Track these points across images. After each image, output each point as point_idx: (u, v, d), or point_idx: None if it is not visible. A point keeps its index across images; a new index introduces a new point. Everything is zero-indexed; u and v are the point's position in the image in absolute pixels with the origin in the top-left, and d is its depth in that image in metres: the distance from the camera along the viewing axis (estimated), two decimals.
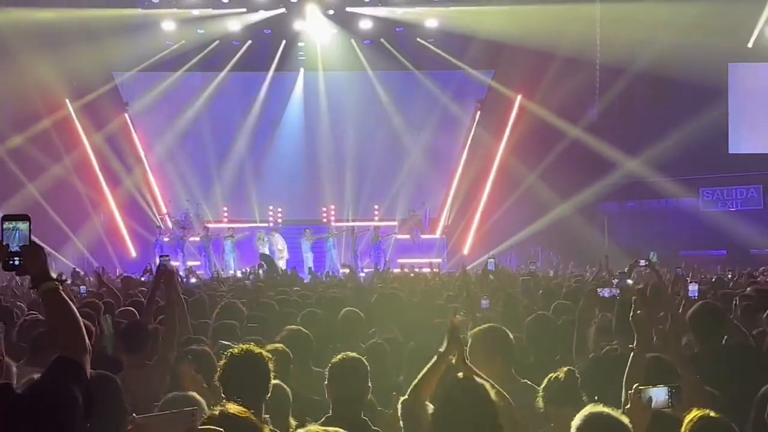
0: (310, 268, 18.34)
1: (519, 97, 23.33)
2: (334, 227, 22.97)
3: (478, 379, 3.13)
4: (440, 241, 23.26)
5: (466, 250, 22.81)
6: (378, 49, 23.46)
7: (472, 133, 24.31)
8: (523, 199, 21.86)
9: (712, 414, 2.95)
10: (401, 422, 3.30)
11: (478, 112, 24.42)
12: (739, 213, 22.08)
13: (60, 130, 21.62)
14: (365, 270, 19.28)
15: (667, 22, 20.02)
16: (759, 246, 20.42)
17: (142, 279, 12.22)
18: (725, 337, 4.82)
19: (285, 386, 3.58)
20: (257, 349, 3.34)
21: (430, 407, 3.26)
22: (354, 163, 24.23)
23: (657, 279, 8.50)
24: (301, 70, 24.33)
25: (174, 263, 18.72)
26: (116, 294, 8.35)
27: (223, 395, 3.15)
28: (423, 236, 22.92)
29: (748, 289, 7.71)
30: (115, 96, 23.27)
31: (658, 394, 3.02)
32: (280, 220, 23.81)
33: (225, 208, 23.86)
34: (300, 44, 23.72)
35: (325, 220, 23.80)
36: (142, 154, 23.76)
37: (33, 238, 2.51)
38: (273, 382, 3.29)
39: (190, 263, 20.52)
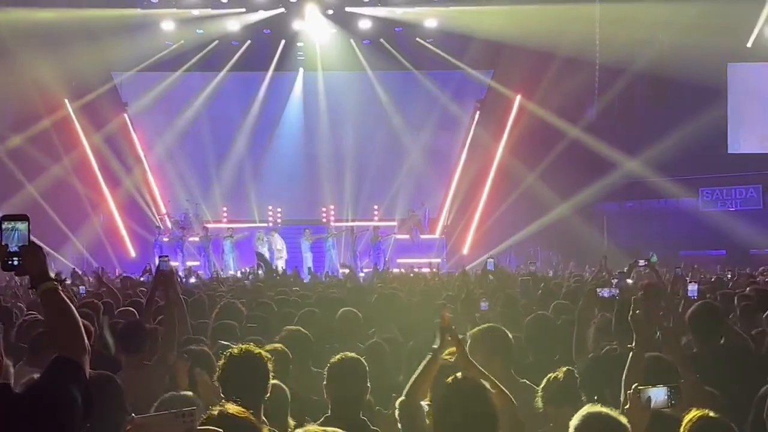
0: (309, 268, 18.34)
1: (518, 97, 23.34)
2: (334, 227, 22.97)
3: (480, 378, 3.13)
4: (439, 241, 23.26)
5: (465, 250, 22.82)
6: (377, 49, 23.46)
7: (471, 133, 24.31)
8: (522, 199, 21.86)
9: (711, 414, 2.95)
10: (399, 424, 3.30)
11: (478, 112, 24.42)
12: (739, 213, 22.08)
13: (59, 130, 21.62)
14: (365, 270, 19.28)
15: (666, 22, 20.03)
16: (758, 246, 20.43)
17: (142, 279, 12.23)
18: (722, 338, 4.82)
19: (284, 386, 3.58)
20: (256, 349, 3.34)
21: (426, 407, 3.27)
22: (353, 163, 24.23)
23: (656, 279, 8.51)
24: (301, 70, 24.32)
25: (173, 263, 18.74)
26: (116, 294, 8.35)
27: (222, 395, 3.15)
28: (422, 236, 22.92)
29: (748, 289, 7.71)
30: (114, 96, 23.27)
31: (658, 394, 3.02)
32: (279, 220, 23.80)
33: (224, 208, 23.86)
34: (299, 44, 23.72)
35: (324, 220, 23.80)
36: (141, 154, 23.75)
37: (32, 238, 2.51)
38: (272, 382, 3.29)
39: (189, 263, 20.52)
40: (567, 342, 4.81)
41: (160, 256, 7.20)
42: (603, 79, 22.28)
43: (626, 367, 3.36)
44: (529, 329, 5.06)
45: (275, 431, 3.22)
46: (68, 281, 9.59)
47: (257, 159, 24.12)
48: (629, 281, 8.49)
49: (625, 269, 9.36)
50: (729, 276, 12.73)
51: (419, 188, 23.75)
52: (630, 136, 22.42)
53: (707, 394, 3.67)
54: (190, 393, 3.20)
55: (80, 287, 9.56)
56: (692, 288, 6.25)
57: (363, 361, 3.72)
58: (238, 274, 17.96)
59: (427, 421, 3.17)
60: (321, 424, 3.03)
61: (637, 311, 3.56)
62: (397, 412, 3.31)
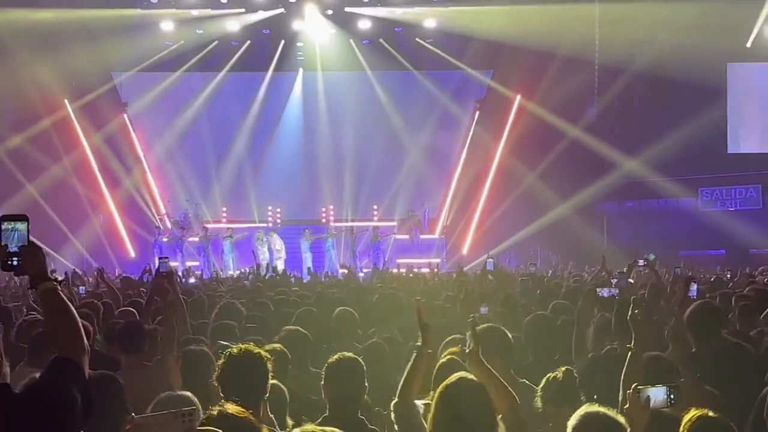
0: (309, 268, 18.34)
1: (518, 97, 23.34)
2: (333, 227, 22.97)
3: (487, 378, 3.14)
4: (439, 241, 23.26)
5: (465, 250, 22.82)
6: (377, 49, 23.46)
7: (471, 133, 24.31)
8: (522, 199, 21.87)
9: (711, 413, 2.95)
10: (395, 425, 3.31)
11: (477, 112, 24.42)
12: (738, 213, 22.09)
13: (59, 130, 21.61)
14: (364, 270, 19.28)
15: (665, 22, 20.04)
16: (758, 246, 20.43)
17: (142, 279, 12.21)
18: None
19: (282, 386, 3.59)
20: (256, 349, 3.34)
21: (422, 406, 3.27)
22: (353, 163, 24.24)
23: (656, 279, 8.52)
24: (300, 70, 24.32)
25: (173, 263, 18.75)
26: (116, 294, 8.35)
27: (221, 394, 3.15)
28: (422, 236, 22.92)
29: (747, 289, 7.71)
30: (114, 96, 23.27)
31: (657, 394, 3.02)
32: (279, 221, 23.80)
33: (224, 209, 23.85)
34: (299, 44, 23.72)
35: (324, 220, 23.80)
36: (141, 154, 23.75)
37: (31, 238, 2.51)
38: (271, 382, 3.29)
39: (189, 263, 20.52)
40: (566, 342, 4.81)
41: (159, 258, 7.21)
42: (602, 79, 22.29)
43: (625, 367, 3.36)
44: (529, 329, 5.07)
45: (275, 430, 3.22)
46: (64, 279, 9.57)
47: (257, 159, 24.11)
48: (630, 281, 8.51)
49: (625, 269, 9.37)
50: (728, 276, 12.72)
51: (419, 188, 23.75)
52: (630, 136, 22.43)
53: (707, 393, 3.67)
54: (187, 393, 3.19)
55: (80, 287, 9.55)
56: (692, 288, 6.24)
57: (360, 360, 3.73)
58: (237, 275, 17.97)
59: (424, 421, 3.17)
60: (319, 424, 3.04)
61: (636, 311, 3.56)
62: (392, 414, 3.32)
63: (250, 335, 5.12)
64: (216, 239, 22.21)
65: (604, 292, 5.51)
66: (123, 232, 22.93)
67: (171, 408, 2.73)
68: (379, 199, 23.78)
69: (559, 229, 21.31)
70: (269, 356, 3.35)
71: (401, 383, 3.37)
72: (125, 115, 23.69)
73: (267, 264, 17.94)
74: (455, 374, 3.09)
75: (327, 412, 3.57)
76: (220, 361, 3.31)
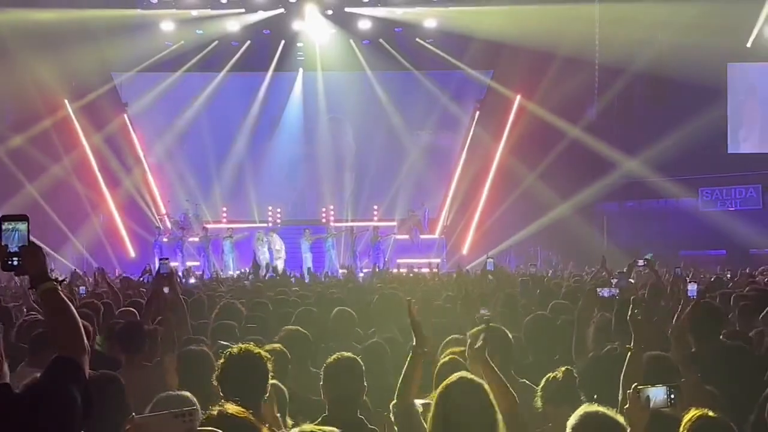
0: (309, 269, 18.34)
1: (518, 97, 23.34)
2: (333, 227, 22.97)
3: (489, 377, 3.14)
4: (439, 241, 23.26)
5: (465, 250, 22.82)
6: (377, 49, 23.46)
7: (471, 133, 24.31)
8: (522, 199, 21.87)
9: (711, 413, 2.95)
10: (395, 426, 3.31)
11: (477, 112, 24.42)
12: (739, 213, 22.08)
13: (59, 130, 21.62)
14: (364, 270, 19.28)
15: (666, 22, 20.04)
16: (758, 245, 20.42)
17: (142, 279, 12.22)
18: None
19: (282, 386, 3.59)
20: (255, 349, 3.35)
21: (420, 406, 3.28)
22: (353, 163, 24.25)
23: (656, 279, 8.52)
24: (300, 70, 24.32)
25: (173, 264, 18.74)
26: (117, 294, 8.36)
27: (221, 394, 3.16)
28: (422, 236, 22.92)
29: (747, 288, 7.71)
30: (114, 96, 23.27)
31: (657, 394, 3.02)
32: (279, 221, 23.80)
33: (224, 209, 23.85)
34: (299, 44, 23.73)
35: (324, 220, 23.80)
36: (141, 154, 23.75)
37: (32, 238, 2.51)
38: (271, 382, 3.29)
39: (189, 264, 20.52)
40: (567, 342, 4.81)
41: (160, 259, 7.22)
42: (603, 79, 22.29)
43: (624, 367, 3.36)
44: (529, 329, 5.06)
45: (275, 430, 3.22)
46: (66, 280, 9.57)
47: (257, 159, 24.11)
48: (630, 281, 8.51)
49: (625, 269, 9.37)
50: (729, 276, 12.72)
51: (419, 188, 23.76)
52: (630, 136, 22.43)
53: (708, 393, 3.67)
54: (186, 393, 3.20)
55: (80, 288, 9.55)
56: (692, 288, 6.25)
57: (359, 360, 3.73)
58: (236, 275, 17.97)
59: (423, 421, 3.17)
60: (318, 424, 3.04)
61: (636, 311, 3.56)
62: (391, 415, 3.32)
63: (250, 335, 5.12)
64: (216, 239, 22.21)
65: (605, 292, 5.51)
66: (123, 232, 22.93)
67: (170, 408, 2.74)
68: (379, 199, 23.78)
69: (559, 229, 21.31)
70: (269, 356, 3.35)
71: (399, 384, 3.37)
72: (125, 115, 23.69)
73: (267, 264, 17.96)
74: (455, 374, 3.09)
75: (326, 412, 3.57)
76: (220, 361, 3.32)
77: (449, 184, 24.27)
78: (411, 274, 14.57)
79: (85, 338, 2.43)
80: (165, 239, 21.87)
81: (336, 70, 23.63)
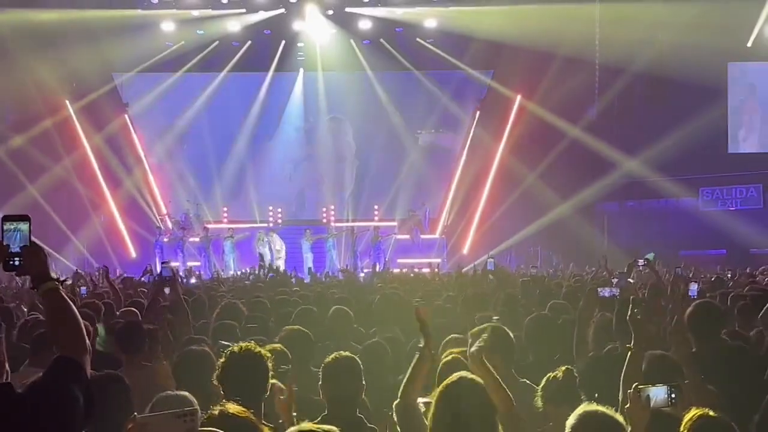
0: (309, 269, 18.36)
1: (518, 97, 23.34)
2: (334, 227, 22.99)
3: (480, 379, 3.14)
4: (440, 241, 23.27)
5: (465, 250, 22.83)
6: (377, 49, 23.46)
7: (471, 133, 24.31)
8: (522, 199, 21.87)
9: (711, 413, 2.96)
10: (397, 425, 3.31)
11: (478, 112, 24.42)
12: (739, 212, 22.07)
13: (60, 130, 21.63)
14: (365, 270, 19.29)
15: (666, 22, 20.03)
16: (759, 245, 20.41)
17: (142, 280, 12.22)
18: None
19: (282, 386, 3.59)
20: (256, 348, 3.35)
21: (422, 405, 3.28)
22: (353, 163, 24.25)
23: (656, 279, 8.52)
24: (301, 70, 24.31)
25: (173, 264, 18.75)
26: (118, 294, 8.36)
27: (222, 393, 3.16)
28: (423, 236, 22.93)
29: (746, 288, 7.71)
30: (115, 97, 23.27)
31: (658, 393, 3.02)
32: (279, 221, 23.81)
33: (225, 209, 23.86)
34: (299, 44, 23.73)
35: (324, 220, 23.81)
36: (142, 154, 23.75)
37: (33, 238, 2.52)
38: (271, 381, 3.30)
39: (190, 264, 20.53)
40: (567, 342, 4.82)
41: (162, 262, 7.25)
42: (603, 79, 22.28)
43: (625, 367, 3.36)
44: (530, 329, 5.07)
45: (276, 429, 3.23)
46: (66, 278, 9.59)
47: (258, 159, 24.13)
48: (630, 280, 8.51)
49: (625, 269, 9.37)
50: (729, 275, 12.72)
51: (419, 188, 23.76)
52: (630, 135, 22.41)
53: (711, 393, 3.67)
54: (185, 393, 3.20)
55: (81, 288, 9.55)
56: (692, 287, 6.26)
57: (357, 359, 3.74)
58: (238, 275, 17.98)
59: (425, 420, 3.18)
60: (317, 423, 3.05)
61: (636, 311, 3.57)
62: (394, 414, 3.33)
63: (251, 335, 5.12)
64: (217, 239, 22.23)
65: (605, 292, 5.51)
66: (124, 233, 22.94)
67: (170, 408, 2.74)
68: (379, 199, 23.79)
69: (560, 229, 21.31)
70: (270, 355, 3.36)
71: (403, 383, 3.37)
72: (126, 116, 23.69)
73: (269, 264, 17.96)
74: (456, 374, 3.10)
75: (326, 411, 3.57)
76: (221, 360, 3.32)
77: (450, 184, 24.27)
78: (412, 274, 14.58)
79: (86, 338, 2.44)
80: (166, 239, 21.88)
81: (336, 70, 23.64)
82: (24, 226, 2.51)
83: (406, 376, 3.39)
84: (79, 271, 14.80)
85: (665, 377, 3.26)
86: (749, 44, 22.12)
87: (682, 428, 2.93)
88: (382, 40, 23.45)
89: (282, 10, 22.60)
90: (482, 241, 22.40)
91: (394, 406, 3.33)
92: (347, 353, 3.78)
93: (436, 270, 14.17)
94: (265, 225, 23.27)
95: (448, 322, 6.04)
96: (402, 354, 4.89)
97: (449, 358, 4.00)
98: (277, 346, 4.17)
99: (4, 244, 2.48)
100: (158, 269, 9.24)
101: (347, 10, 22.77)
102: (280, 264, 20.16)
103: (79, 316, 2.46)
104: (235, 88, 23.88)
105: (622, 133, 22.55)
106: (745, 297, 6.53)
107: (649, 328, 3.76)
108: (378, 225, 22.57)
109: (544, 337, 4.94)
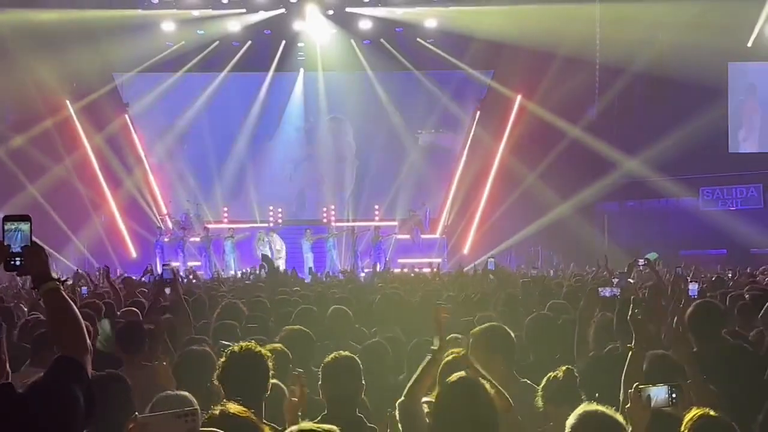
0: (310, 268, 18.36)
1: (519, 97, 23.33)
2: (335, 227, 22.99)
3: (479, 378, 3.14)
4: (440, 240, 23.27)
5: (466, 250, 22.83)
6: (378, 49, 23.46)
7: (471, 133, 24.31)
8: (522, 198, 21.87)
9: (712, 412, 2.95)
10: (399, 424, 3.31)
11: (478, 112, 24.42)
12: (739, 212, 22.08)
13: (60, 131, 21.64)
14: (365, 270, 19.30)
15: (666, 22, 20.03)
16: (759, 245, 20.41)
17: (143, 280, 12.22)
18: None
19: (282, 385, 3.60)
20: (257, 347, 3.35)
21: (424, 404, 3.28)
22: (354, 163, 24.25)
23: (656, 278, 8.52)
24: (301, 70, 24.32)
25: (174, 264, 18.74)
26: (119, 294, 8.37)
27: (222, 393, 3.16)
28: (423, 236, 22.93)
29: (746, 288, 7.71)
30: (115, 97, 23.28)
31: (659, 393, 3.02)
32: (280, 221, 23.82)
33: (225, 209, 23.87)
34: (300, 44, 23.73)
35: (325, 220, 23.82)
36: (142, 154, 23.76)
37: (34, 238, 2.52)
38: (271, 381, 3.30)
39: (190, 264, 20.54)
40: (568, 341, 4.82)
41: (163, 265, 7.26)
42: (603, 79, 22.28)
43: (625, 367, 3.36)
44: (530, 329, 5.06)
45: (277, 427, 3.23)
46: (69, 280, 9.60)
47: (258, 159, 24.13)
48: (631, 280, 8.51)
49: (626, 269, 9.37)
50: (730, 275, 12.72)
51: (420, 188, 23.77)
52: (630, 135, 22.42)
53: (713, 393, 3.67)
54: (185, 393, 3.20)
55: (83, 288, 9.56)
56: (692, 287, 6.25)
57: (356, 359, 3.74)
58: (239, 275, 17.98)
59: (428, 420, 3.18)
60: (317, 423, 3.05)
61: (636, 311, 3.57)
62: (397, 413, 3.32)
63: (251, 335, 5.12)
64: (217, 239, 22.23)
65: (606, 292, 5.51)
66: (124, 233, 22.95)
67: (169, 408, 2.74)
68: (380, 199, 23.80)
69: (560, 229, 21.31)
70: (270, 354, 3.36)
71: (410, 383, 3.36)
72: (126, 116, 23.68)
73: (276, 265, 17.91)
74: (456, 374, 3.10)
75: (325, 411, 3.58)
76: (222, 360, 3.32)
77: (450, 184, 24.27)
78: (412, 274, 14.57)
79: (87, 338, 2.44)
80: (166, 239, 21.89)
81: (337, 70, 23.64)
82: (25, 226, 2.51)
83: (414, 375, 3.38)
84: (80, 271, 14.80)
85: (666, 377, 3.26)
86: (749, 44, 22.12)
87: (682, 428, 2.93)
88: (382, 40, 23.46)
89: (282, 10, 22.60)
90: (482, 240, 22.41)
91: (397, 404, 3.33)
92: (347, 353, 3.79)
93: (437, 270, 14.15)
94: (266, 225, 23.28)
95: (449, 321, 6.03)
96: (402, 354, 4.89)
97: (449, 358, 3.99)
98: (278, 345, 4.17)
99: (5, 244, 2.48)
100: (159, 269, 9.25)
101: (347, 10, 22.78)
102: (281, 264, 20.16)
103: (80, 316, 2.46)
104: (236, 88, 23.89)
105: (623, 133, 22.55)
106: (744, 298, 6.53)
107: (649, 328, 3.76)
108: (378, 225, 22.57)
109: (544, 337, 4.94)
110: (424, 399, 3.34)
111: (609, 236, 22.26)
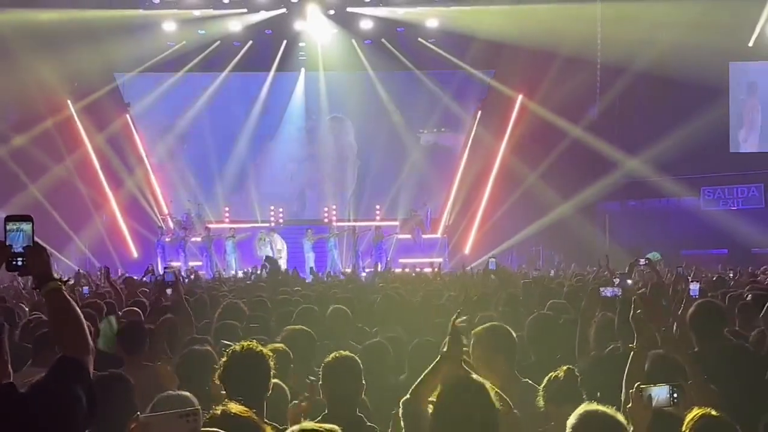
0: (311, 268, 18.36)
1: (520, 97, 23.33)
2: (336, 227, 23.00)
3: (482, 379, 3.14)
4: (441, 240, 23.27)
5: (467, 250, 22.83)
6: (379, 49, 23.47)
7: (473, 132, 24.32)
8: (524, 198, 21.87)
9: (713, 412, 2.95)
10: (402, 422, 3.31)
11: (479, 112, 24.42)
12: (741, 212, 22.06)
13: (62, 130, 21.66)
14: (367, 270, 19.30)
15: (667, 22, 20.00)
16: (760, 245, 20.40)
17: (144, 280, 12.23)
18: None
19: (283, 385, 3.60)
20: (258, 347, 3.35)
21: (430, 407, 3.27)
22: (355, 163, 24.26)
23: (657, 278, 8.52)
24: (302, 70, 24.32)
25: (174, 264, 18.80)
26: (120, 294, 8.38)
27: (223, 393, 3.16)
28: (424, 236, 22.93)
29: (746, 288, 7.70)
30: (116, 97, 23.30)
31: (660, 393, 3.02)
32: (281, 220, 23.83)
33: (226, 209, 23.89)
34: (301, 44, 23.73)
35: (326, 220, 23.83)
36: (143, 154, 23.78)
37: (36, 238, 2.52)
38: (273, 381, 3.30)
39: (191, 263, 20.55)
40: (569, 341, 4.82)
41: (165, 267, 7.28)
42: (604, 79, 22.27)
43: (627, 367, 3.36)
44: (531, 329, 5.06)
45: (278, 426, 3.23)
46: (70, 280, 9.63)
47: (259, 159, 24.15)
48: (629, 281, 8.50)
49: (627, 269, 9.36)
50: (731, 275, 12.72)
51: (421, 188, 23.78)
52: (631, 135, 22.42)
53: (714, 393, 3.67)
54: (186, 393, 3.21)
55: (84, 288, 9.57)
56: (693, 287, 6.24)
57: (357, 358, 3.74)
58: (240, 275, 17.98)
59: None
60: (318, 422, 3.05)
61: (638, 311, 3.57)
62: (400, 411, 3.32)
63: (252, 335, 5.12)
64: (218, 239, 22.24)
65: (607, 292, 5.50)
66: (126, 233, 22.96)
67: (171, 408, 2.74)
68: (381, 198, 23.80)
69: (561, 228, 21.31)
70: (271, 354, 3.36)
71: (417, 383, 3.35)
72: (128, 116, 23.70)
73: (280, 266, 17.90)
74: (456, 374, 3.09)
75: (326, 410, 3.58)
76: (223, 360, 3.33)
77: (451, 183, 24.28)
78: (413, 274, 14.57)
79: (89, 338, 2.44)
80: (167, 239, 21.90)
81: (338, 69, 23.64)
82: (27, 227, 2.51)
83: (422, 376, 3.37)
84: (81, 271, 14.82)
85: (668, 377, 3.26)
86: (750, 44, 22.10)
87: (684, 428, 2.92)
88: (383, 39, 23.46)
89: (283, 10, 22.61)
90: (484, 240, 22.41)
91: (401, 403, 3.32)
92: (347, 353, 3.79)
93: (438, 270, 14.15)
94: (267, 225, 23.29)
95: (449, 321, 6.03)
96: (404, 354, 4.89)
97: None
98: (279, 345, 4.17)
99: (7, 244, 2.49)
100: (160, 269, 9.26)
101: (348, 9, 22.79)
102: (282, 264, 20.16)
103: (82, 316, 2.46)
104: (237, 88, 23.91)
105: (624, 133, 22.55)
106: (744, 298, 6.52)
107: (650, 328, 3.76)
108: (379, 225, 22.58)
109: (545, 337, 4.93)
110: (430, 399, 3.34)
111: (610, 236, 22.25)
